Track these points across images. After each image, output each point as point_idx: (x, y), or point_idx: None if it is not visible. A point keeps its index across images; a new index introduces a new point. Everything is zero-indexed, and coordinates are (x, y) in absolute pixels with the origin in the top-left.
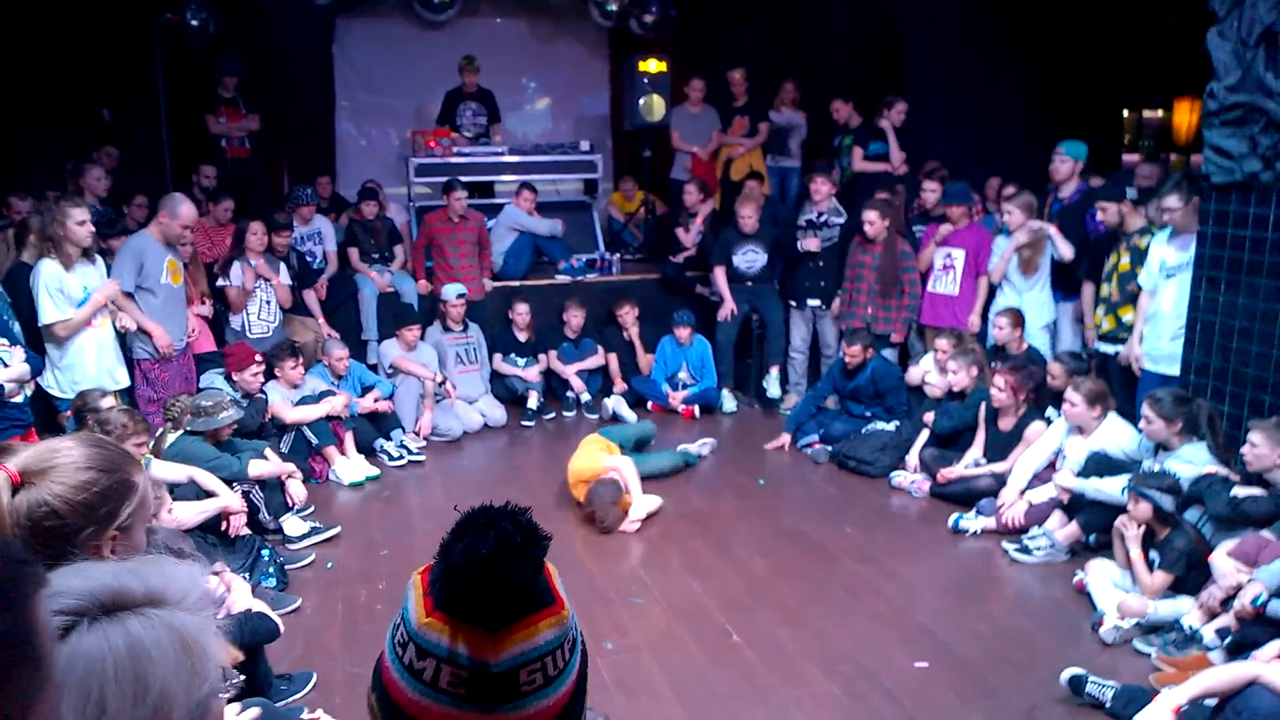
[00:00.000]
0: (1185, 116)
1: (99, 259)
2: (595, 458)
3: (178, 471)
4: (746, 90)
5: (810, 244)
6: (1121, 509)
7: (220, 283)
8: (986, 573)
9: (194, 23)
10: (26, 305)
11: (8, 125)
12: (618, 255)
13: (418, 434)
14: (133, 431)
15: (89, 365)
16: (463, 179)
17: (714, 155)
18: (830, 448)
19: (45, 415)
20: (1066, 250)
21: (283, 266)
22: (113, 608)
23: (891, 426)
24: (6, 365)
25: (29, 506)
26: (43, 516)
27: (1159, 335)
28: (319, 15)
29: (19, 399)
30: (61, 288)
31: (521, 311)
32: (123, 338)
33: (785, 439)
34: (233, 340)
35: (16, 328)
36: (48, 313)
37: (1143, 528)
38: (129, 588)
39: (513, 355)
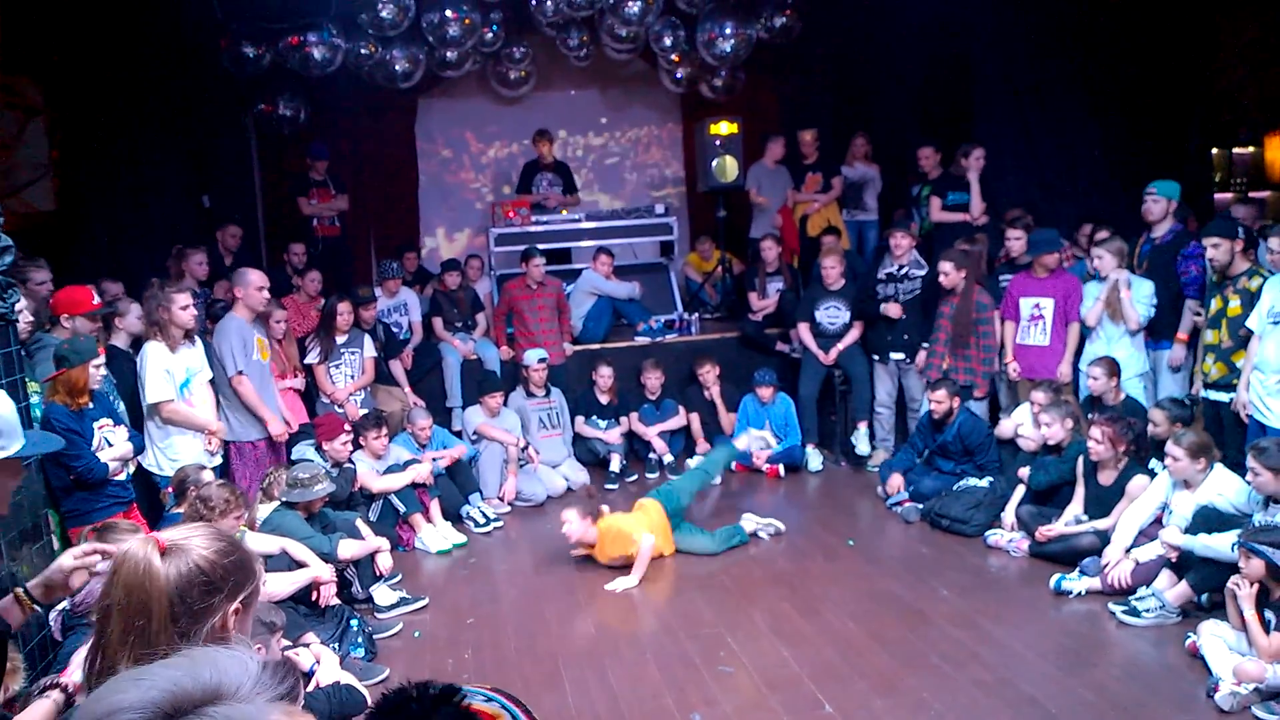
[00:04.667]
0: (1278, 153)
1: (198, 340)
2: (626, 538)
3: (271, 543)
4: (817, 149)
5: (892, 310)
6: (1234, 566)
7: (308, 360)
8: (1093, 637)
9: (286, 112)
10: (122, 387)
11: (111, 212)
12: (696, 315)
13: (502, 499)
14: (233, 506)
15: (188, 443)
16: (541, 246)
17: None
18: (921, 506)
19: (147, 493)
20: (1133, 321)
21: (368, 338)
22: (174, 714)
23: (985, 483)
24: (111, 445)
25: (178, 570)
26: (192, 575)
27: (1264, 384)
28: (402, 98)
29: (122, 476)
30: (167, 369)
31: (605, 374)
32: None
33: (895, 482)
34: (322, 411)
35: (121, 407)
36: (153, 392)
37: (1256, 586)
38: (186, 690)
39: (594, 418)
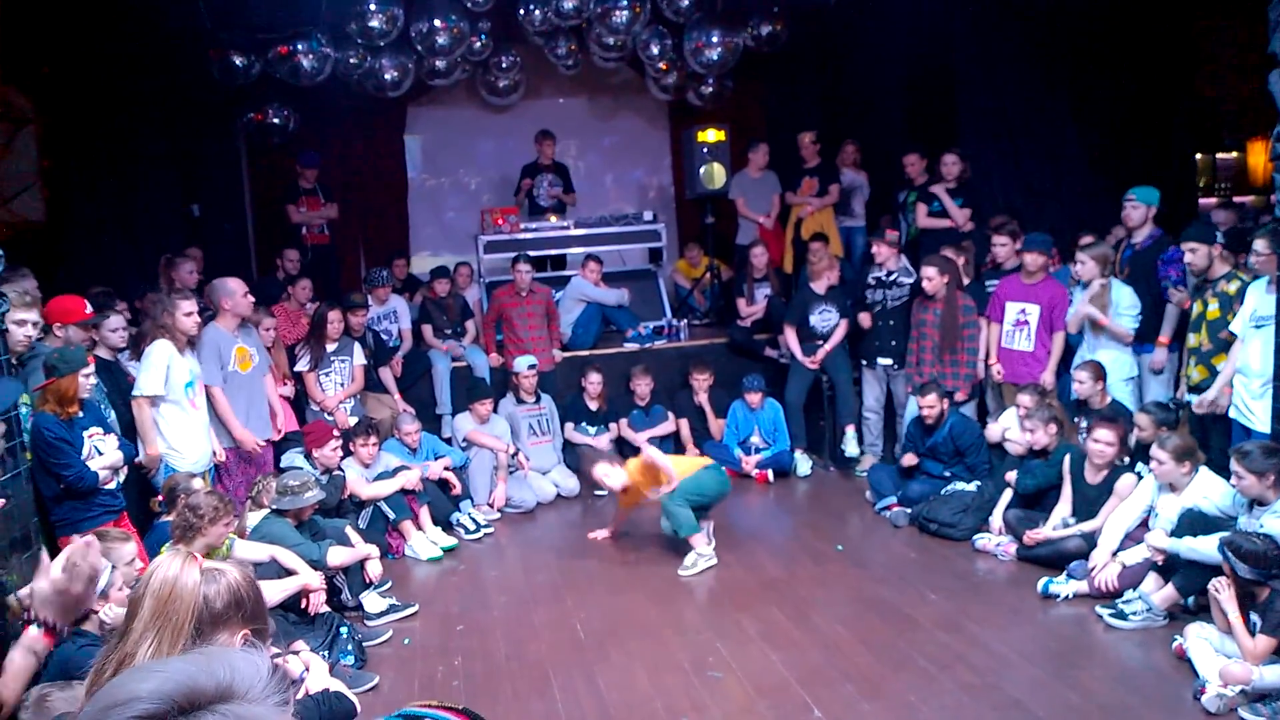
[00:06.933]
0: (1260, 158)
1: (190, 350)
2: (652, 465)
3: (260, 551)
4: (817, 152)
5: (864, 320)
6: (1219, 569)
7: (298, 367)
8: (1080, 640)
9: (275, 121)
10: (113, 395)
11: (101, 222)
12: (685, 321)
13: (492, 506)
14: (223, 514)
15: (192, 447)
16: (532, 253)
17: (779, 218)
18: (910, 510)
19: (139, 499)
20: (1122, 337)
21: (357, 346)
22: (188, 707)
23: (973, 487)
24: (101, 453)
25: (216, 589)
26: (229, 593)
27: (1248, 388)
28: (391, 106)
29: (112, 485)
30: (169, 364)
31: (594, 381)
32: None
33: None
34: (311, 419)
35: (112, 416)
36: (144, 384)
37: (1233, 588)
38: (200, 684)
39: (584, 424)
